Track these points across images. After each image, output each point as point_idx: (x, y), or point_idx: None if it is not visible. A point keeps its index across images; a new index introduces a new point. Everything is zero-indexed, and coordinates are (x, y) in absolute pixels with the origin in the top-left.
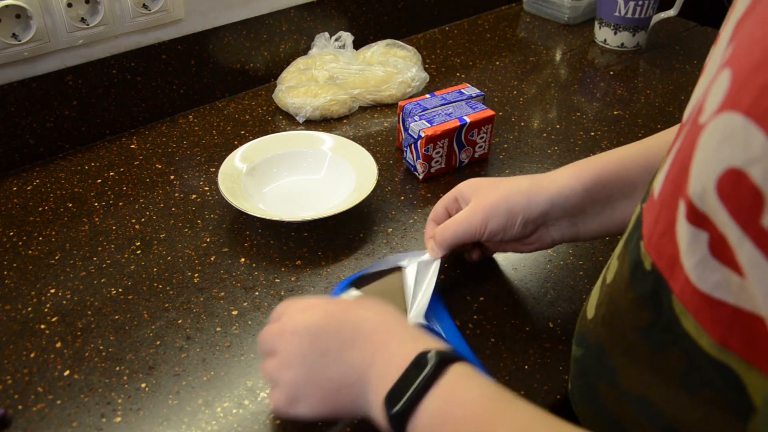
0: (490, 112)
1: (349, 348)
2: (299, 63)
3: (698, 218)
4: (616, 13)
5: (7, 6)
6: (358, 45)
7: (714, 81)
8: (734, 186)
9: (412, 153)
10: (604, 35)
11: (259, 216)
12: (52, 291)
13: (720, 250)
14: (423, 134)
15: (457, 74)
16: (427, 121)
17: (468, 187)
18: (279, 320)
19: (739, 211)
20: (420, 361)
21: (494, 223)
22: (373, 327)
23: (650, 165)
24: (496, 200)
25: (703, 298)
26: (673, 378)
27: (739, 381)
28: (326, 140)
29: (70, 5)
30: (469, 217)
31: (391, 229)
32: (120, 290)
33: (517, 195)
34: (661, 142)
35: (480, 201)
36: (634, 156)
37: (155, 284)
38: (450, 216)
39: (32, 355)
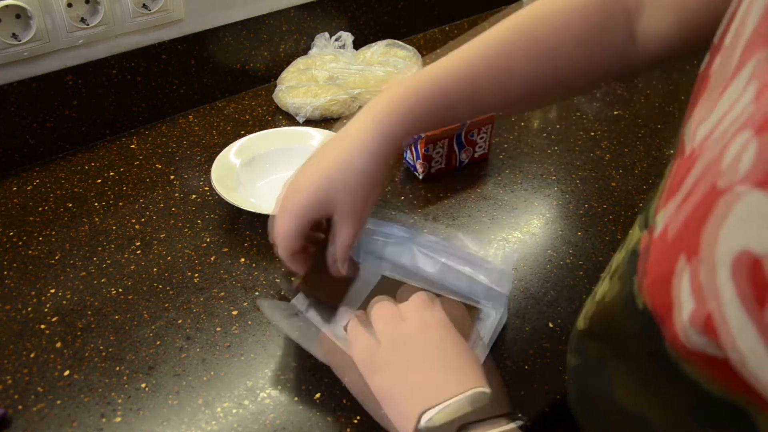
0: None
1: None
2: (299, 63)
3: (698, 289)
4: None
5: (7, 6)
6: (358, 45)
7: (733, 139)
8: (750, 269)
9: (412, 153)
10: None
11: (251, 211)
12: (52, 291)
13: (701, 325)
14: (423, 134)
15: None
16: None
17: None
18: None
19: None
20: None
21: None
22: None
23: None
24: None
25: (696, 352)
26: (681, 408)
27: (750, 421)
28: (315, 135)
29: (70, 5)
30: (346, 230)
31: None
32: (120, 290)
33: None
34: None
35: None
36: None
37: (155, 284)
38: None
39: (32, 355)
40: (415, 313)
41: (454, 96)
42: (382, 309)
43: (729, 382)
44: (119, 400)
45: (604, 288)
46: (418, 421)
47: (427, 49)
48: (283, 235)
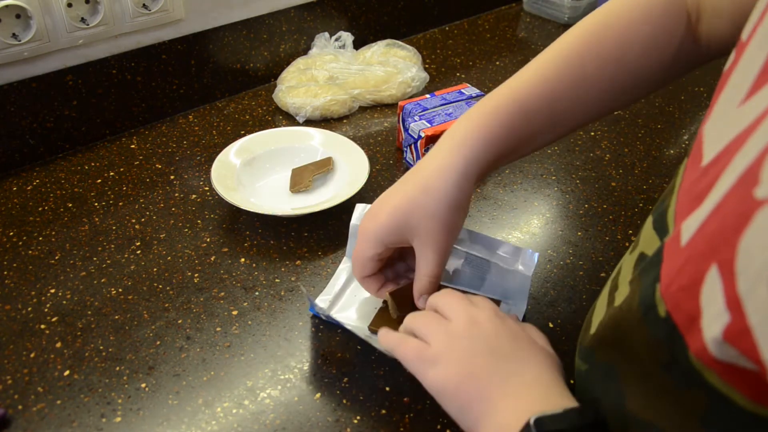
0: None
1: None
2: (299, 63)
3: (735, 302)
4: None
5: (7, 6)
6: (358, 45)
7: None
8: None
9: (412, 153)
10: None
11: (251, 211)
12: (52, 291)
13: (737, 338)
14: (423, 134)
15: (457, 74)
16: (427, 121)
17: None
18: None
19: None
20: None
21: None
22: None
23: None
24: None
25: (726, 365)
26: (695, 415)
27: None
28: (315, 135)
29: (70, 5)
30: (433, 267)
31: None
32: (120, 290)
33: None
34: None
35: (429, 244)
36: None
37: (155, 284)
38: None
39: (32, 355)
40: (460, 311)
41: (533, 110)
42: (423, 317)
43: (757, 393)
44: (119, 400)
45: (614, 293)
46: (527, 422)
47: (427, 49)
48: (357, 258)
